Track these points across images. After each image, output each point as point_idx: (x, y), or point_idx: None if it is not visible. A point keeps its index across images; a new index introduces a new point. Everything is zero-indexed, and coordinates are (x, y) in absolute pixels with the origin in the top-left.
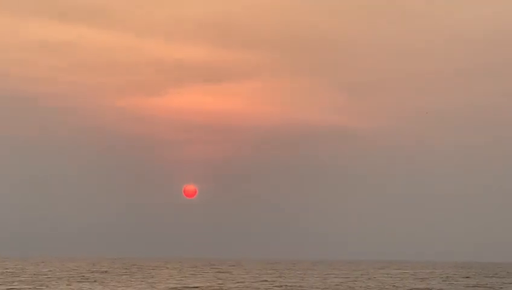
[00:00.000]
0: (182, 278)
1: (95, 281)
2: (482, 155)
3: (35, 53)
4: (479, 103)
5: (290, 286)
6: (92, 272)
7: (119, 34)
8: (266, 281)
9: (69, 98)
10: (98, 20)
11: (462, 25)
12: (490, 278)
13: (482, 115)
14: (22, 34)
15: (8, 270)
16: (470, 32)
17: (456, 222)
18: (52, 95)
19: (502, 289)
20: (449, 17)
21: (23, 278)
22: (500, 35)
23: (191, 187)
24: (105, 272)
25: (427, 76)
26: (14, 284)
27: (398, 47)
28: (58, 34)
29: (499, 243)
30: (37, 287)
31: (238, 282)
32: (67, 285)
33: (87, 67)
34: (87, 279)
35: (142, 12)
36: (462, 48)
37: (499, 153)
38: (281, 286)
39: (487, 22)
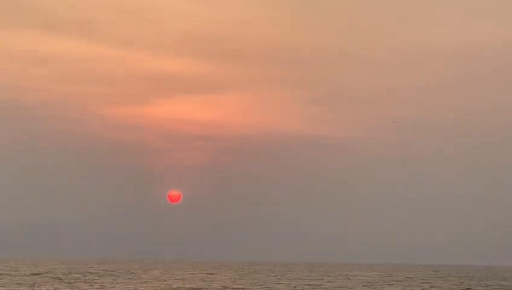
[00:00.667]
0: (166, 279)
1: (82, 281)
2: (452, 162)
3: (27, 64)
4: (447, 114)
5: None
6: (81, 273)
7: (108, 46)
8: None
9: (60, 106)
10: (88, 33)
11: (431, 42)
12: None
13: (450, 124)
14: (13, 45)
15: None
16: (439, 49)
17: (433, 225)
18: (44, 104)
19: None
20: (418, 34)
21: (15, 278)
22: (464, 52)
23: (175, 193)
24: (90, 273)
25: (398, 89)
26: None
27: (371, 63)
28: (49, 46)
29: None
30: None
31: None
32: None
33: (77, 77)
34: (77, 279)
35: (130, 26)
36: (431, 64)
37: (467, 160)
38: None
39: (454, 39)
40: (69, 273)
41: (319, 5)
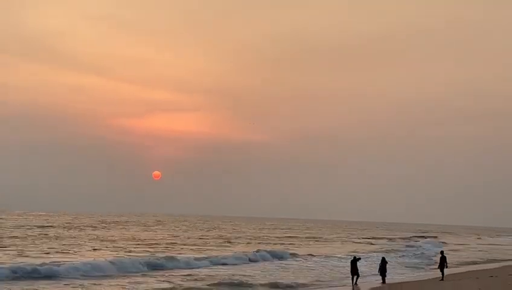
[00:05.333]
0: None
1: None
2: (335, 162)
3: (65, 91)
4: (331, 124)
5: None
6: (86, 226)
7: (116, 82)
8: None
9: (87, 118)
10: (105, 74)
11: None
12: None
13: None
14: (58, 79)
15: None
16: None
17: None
18: (76, 116)
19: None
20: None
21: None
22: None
23: (157, 173)
24: (126, 222)
25: (303, 110)
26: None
27: (280, 96)
28: (81, 80)
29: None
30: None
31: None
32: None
33: (95, 100)
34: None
35: (130, 70)
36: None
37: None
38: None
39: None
40: (112, 221)
41: (250, 61)
